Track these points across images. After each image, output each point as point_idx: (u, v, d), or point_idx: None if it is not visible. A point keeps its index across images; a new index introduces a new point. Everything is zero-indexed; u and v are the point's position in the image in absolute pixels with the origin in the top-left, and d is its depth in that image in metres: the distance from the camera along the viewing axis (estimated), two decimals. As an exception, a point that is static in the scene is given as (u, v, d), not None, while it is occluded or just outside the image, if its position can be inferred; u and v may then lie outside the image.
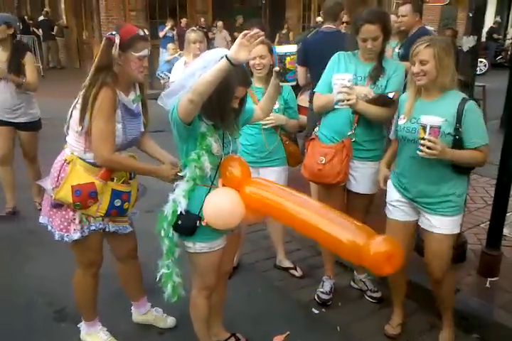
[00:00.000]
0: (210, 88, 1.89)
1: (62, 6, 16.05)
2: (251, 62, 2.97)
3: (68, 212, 2.31)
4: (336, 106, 2.58)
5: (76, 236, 2.33)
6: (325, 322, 2.94)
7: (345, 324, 2.90)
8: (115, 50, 2.18)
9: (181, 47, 11.45)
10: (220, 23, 13.28)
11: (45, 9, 15.36)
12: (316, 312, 3.03)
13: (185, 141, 2.11)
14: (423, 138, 2.18)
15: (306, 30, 9.02)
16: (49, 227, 2.41)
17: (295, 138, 3.40)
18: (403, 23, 4.45)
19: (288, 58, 2.01)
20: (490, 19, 16.74)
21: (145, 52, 2.26)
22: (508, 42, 17.63)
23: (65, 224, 2.33)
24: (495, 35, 16.30)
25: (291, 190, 2.16)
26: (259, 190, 2.15)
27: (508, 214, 3.23)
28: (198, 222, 2.11)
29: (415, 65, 2.31)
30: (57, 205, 2.33)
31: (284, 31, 14.22)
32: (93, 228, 2.36)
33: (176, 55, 8.31)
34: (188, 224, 2.11)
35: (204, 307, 2.35)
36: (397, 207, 2.56)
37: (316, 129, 2.91)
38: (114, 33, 2.19)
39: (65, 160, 2.32)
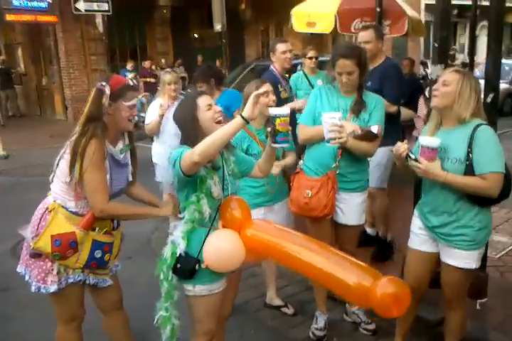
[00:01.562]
0: (220, 148, 1.95)
1: (20, 53, 15.97)
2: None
3: (46, 263, 2.25)
4: (327, 144, 2.62)
5: (53, 288, 2.25)
6: (323, 359, 2.88)
7: (344, 360, 2.84)
8: (106, 100, 2.20)
9: (147, 88, 11.62)
10: (178, 62, 13.59)
11: (1, 57, 15.24)
12: (313, 349, 2.97)
13: (185, 185, 2.11)
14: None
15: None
16: (26, 277, 2.33)
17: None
18: (367, 51, 4.03)
19: (278, 120, 2.02)
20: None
21: (135, 101, 2.30)
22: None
23: (43, 275, 2.26)
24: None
25: (292, 231, 2.16)
26: (260, 231, 2.14)
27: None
28: (197, 265, 2.07)
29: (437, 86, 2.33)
30: (36, 255, 2.26)
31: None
32: (71, 280, 2.29)
33: (140, 96, 8.33)
34: (187, 267, 2.07)
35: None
36: (418, 236, 2.52)
37: (301, 162, 2.93)
38: (103, 83, 2.22)
39: (47, 208, 2.28)
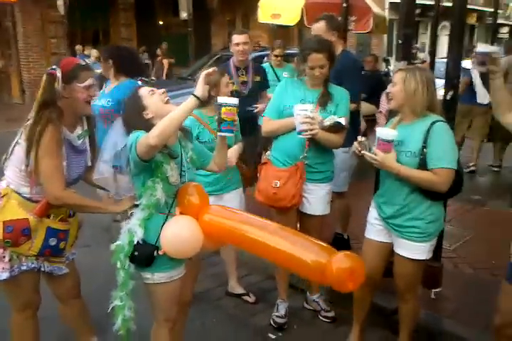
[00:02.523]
0: (176, 129, 1.94)
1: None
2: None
3: None
4: (298, 136, 2.67)
5: (4, 275, 2.20)
6: (283, 346, 2.94)
7: (304, 346, 2.92)
8: (58, 84, 2.14)
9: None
10: (142, 48, 13.42)
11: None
12: (273, 337, 3.03)
13: (141, 171, 2.08)
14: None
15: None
16: None
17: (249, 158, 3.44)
18: None
19: (223, 108, 2.06)
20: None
21: (90, 81, 2.23)
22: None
23: None
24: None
25: (251, 215, 2.17)
26: (218, 216, 2.14)
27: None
28: (155, 252, 2.06)
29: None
30: None
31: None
32: (24, 268, 2.24)
33: None
34: (145, 255, 2.06)
35: (166, 339, 2.27)
36: (374, 226, 2.60)
37: (268, 153, 2.96)
38: (54, 67, 2.16)
39: (0, 193, 2.21)
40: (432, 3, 8.79)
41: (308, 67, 2.76)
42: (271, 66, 5.28)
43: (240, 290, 3.46)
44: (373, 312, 2.88)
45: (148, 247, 2.07)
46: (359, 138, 2.47)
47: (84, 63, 2.28)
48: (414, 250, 2.45)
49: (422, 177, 2.34)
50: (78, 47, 12.23)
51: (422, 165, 2.34)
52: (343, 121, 2.75)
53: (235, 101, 2.08)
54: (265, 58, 6.43)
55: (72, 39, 12.72)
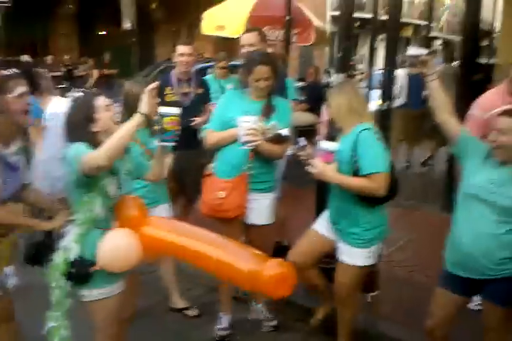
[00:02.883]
0: (123, 150, 1.93)
1: None
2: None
3: None
4: (242, 148, 2.70)
5: None
6: (227, 358, 2.92)
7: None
8: None
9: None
10: (84, 59, 13.06)
11: None
12: (217, 350, 3.00)
13: (79, 185, 2.02)
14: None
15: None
16: None
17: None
18: None
19: (166, 119, 2.10)
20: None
21: (21, 89, 2.14)
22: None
23: None
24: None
25: (189, 225, 2.18)
26: (156, 228, 2.13)
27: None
28: (92, 268, 2.01)
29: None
30: None
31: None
32: None
33: None
34: (83, 271, 2.00)
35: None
36: (323, 219, 2.71)
37: (211, 165, 2.95)
38: None
39: None
40: (370, 16, 9.14)
41: (253, 79, 2.79)
42: (215, 77, 5.28)
43: (181, 305, 3.41)
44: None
45: (84, 263, 2.01)
46: (301, 141, 2.52)
47: (10, 72, 2.19)
48: (354, 255, 2.53)
49: (360, 185, 2.42)
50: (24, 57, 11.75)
51: (356, 173, 2.43)
52: (285, 132, 2.80)
53: (176, 110, 2.10)
54: (209, 69, 6.44)
55: (6, 48, 12.28)
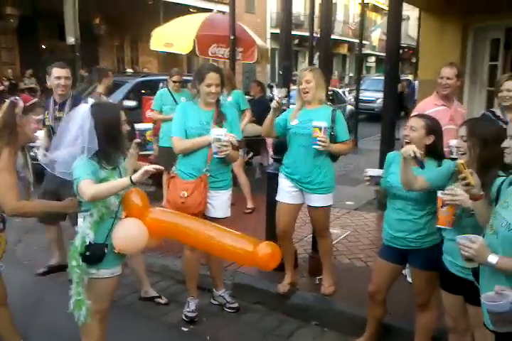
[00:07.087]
0: (104, 198, 2.39)
1: None
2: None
3: None
4: (215, 156, 3.18)
5: None
6: (196, 336, 3.35)
7: (213, 333, 3.36)
8: (20, 112, 2.52)
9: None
10: (29, 72, 13.06)
11: None
12: (186, 329, 3.41)
13: None
14: (318, 136, 3.20)
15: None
16: None
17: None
18: None
19: (148, 132, 2.88)
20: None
21: (41, 117, 2.73)
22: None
23: None
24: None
25: (186, 214, 2.74)
26: (159, 216, 2.60)
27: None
28: (105, 250, 2.42)
29: (302, 84, 3.36)
30: None
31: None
32: None
33: None
34: (97, 254, 2.41)
35: (97, 329, 2.58)
36: (289, 193, 3.47)
37: (174, 168, 3.40)
38: (17, 97, 2.56)
39: None
40: (308, 34, 9.90)
41: (205, 84, 3.23)
42: (169, 91, 5.71)
43: (153, 293, 3.78)
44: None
45: (99, 247, 2.42)
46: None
47: (40, 101, 2.81)
48: (323, 200, 3.47)
49: (343, 148, 3.49)
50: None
51: (332, 138, 3.36)
52: (236, 138, 3.26)
53: (148, 126, 2.94)
54: (161, 84, 6.84)
55: None
